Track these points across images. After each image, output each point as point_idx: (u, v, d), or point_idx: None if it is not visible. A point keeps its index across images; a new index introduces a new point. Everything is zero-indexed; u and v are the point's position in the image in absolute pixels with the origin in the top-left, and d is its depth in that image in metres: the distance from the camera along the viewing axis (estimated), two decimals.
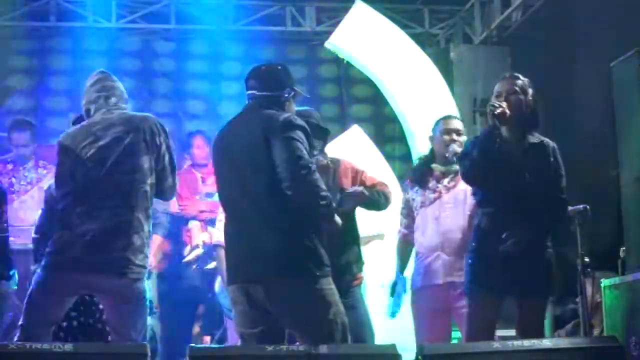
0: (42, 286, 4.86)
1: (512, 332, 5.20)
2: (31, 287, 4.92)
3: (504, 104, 4.98)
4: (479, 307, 4.97)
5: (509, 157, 4.98)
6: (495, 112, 4.94)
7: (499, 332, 5.19)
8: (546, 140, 5.13)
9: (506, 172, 4.96)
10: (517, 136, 5.07)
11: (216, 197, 7.90)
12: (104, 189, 4.87)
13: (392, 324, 6.19)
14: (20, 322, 4.86)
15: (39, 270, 4.93)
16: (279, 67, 5.11)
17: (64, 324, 5.47)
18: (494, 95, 5.14)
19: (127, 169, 4.91)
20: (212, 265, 7.68)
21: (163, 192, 5.11)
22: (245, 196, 4.68)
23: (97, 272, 4.80)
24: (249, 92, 4.95)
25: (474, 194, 5.29)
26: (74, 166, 4.95)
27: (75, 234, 4.82)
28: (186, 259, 8.15)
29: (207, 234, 8.09)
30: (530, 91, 5.12)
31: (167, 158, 5.07)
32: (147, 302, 5.02)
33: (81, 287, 4.97)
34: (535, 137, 5.10)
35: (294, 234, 4.61)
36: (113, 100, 5.10)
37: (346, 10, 8.60)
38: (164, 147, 5.06)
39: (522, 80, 5.13)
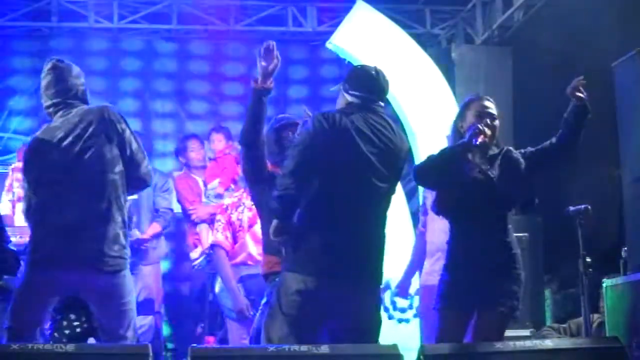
0: (23, 287, 4.85)
1: (513, 333, 5.20)
2: (15, 289, 4.92)
3: (488, 132, 4.92)
4: (447, 325, 4.91)
5: (471, 170, 4.95)
6: (479, 142, 4.88)
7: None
8: (508, 148, 5.11)
9: (466, 183, 4.92)
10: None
11: (226, 200, 7.94)
12: (71, 182, 4.84)
13: (394, 324, 6.21)
14: (6, 325, 4.84)
15: (22, 273, 4.93)
16: None
17: (67, 331, 5.47)
18: (474, 114, 5.00)
19: (90, 161, 4.88)
20: None
21: (139, 178, 5.06)
22: (368, 197, 4.76)
23: (72, 268, 4.77)
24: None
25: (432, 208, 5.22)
26: (38, 173, 4.93)
27: (47, 231, 4.80)
28: (197, 262, 8.14)
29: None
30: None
31: (134, 144, 5.02)
32: (132, 297, 4.97)
33: (61, 285, 4.89)
34: (496, 148, 5.06)
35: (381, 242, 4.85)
36: (68, 101, 5.04)
37: (347, 10, 8.61)
38: (127, 133, 5.01)
39: (494, 103, 5.10)
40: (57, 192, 4.85)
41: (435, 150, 5.03)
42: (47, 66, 5.13)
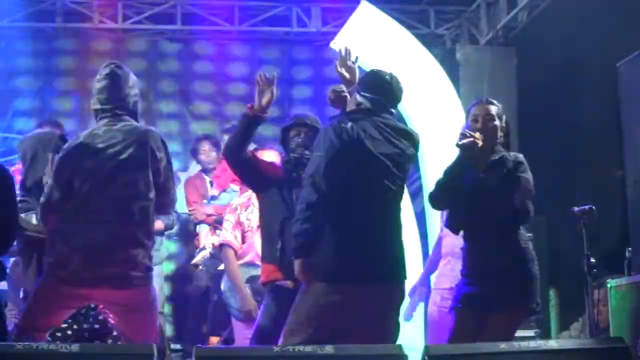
0: (42, 296, 4.85)
1: (517, 333, 5.19)
2: (32, 293, 4.92)
3: (477, 135, 4.93)
4: (460, 324, 4.95)
5: (471, 180, 4.97)
6: (460, 143, 4.90)
7: None
8: (508, 154, 5.08)
9: (469, 195, 4.94)
10: (483, 158, 5.00)
11: (222, 200, 7.93)
12: (101, 204, 4.81)
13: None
14: (17, 322, 4.86)
15: (41, 278, 4.92)
16: None
17: (69, 332, 5.48)
18: (470, 118, 5.09)
19: (123, 184, 4.85)
20: (222, 266, 7.70)
21: (164, 206, 5.08)
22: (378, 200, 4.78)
23: (96, 287, 4.78)
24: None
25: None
26: (71, 175, 4.89)
27: (73, 248, 4.77)
28: (193, 262, 8.16)
29: (217, 237, 8.10)
30: (504, 117, 5.10)
31: (166, 173, 5.02)
32: (156, 308, 5.02)
33: (82, 300, 4.95)
34: (497, 154, 5.05)
35: (401, 241, 4.87)
36: (117, 112, 5.01)
37: (352, 11, 8.60)
38: (164, 162, 4.99)
39: (497, 106, 5.11)
40: (86, 209, 4.83)
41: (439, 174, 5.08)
42: (105, 70, 5.09)
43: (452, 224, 5.11)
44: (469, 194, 4.93)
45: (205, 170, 8.59)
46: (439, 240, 6.30)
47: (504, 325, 4.91)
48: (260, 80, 5.29)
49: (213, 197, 8.30)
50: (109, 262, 4.76)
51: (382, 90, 4.99)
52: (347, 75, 5.14)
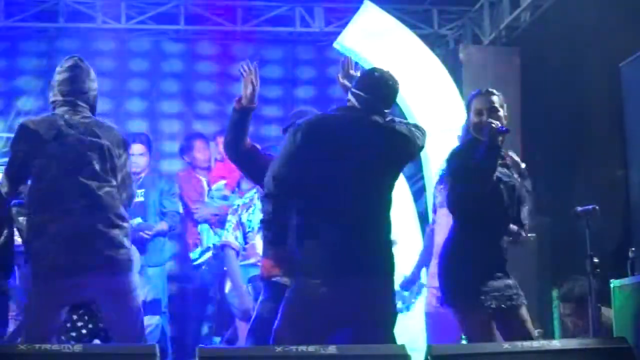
0: (35, 301, 4.83)
1: None
2: (25, 303, 4.90)
3: (497, 123, 4.88)
4: (480, 327, 4.86)
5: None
6: (504, 130, 4.82)
7: None
8: None
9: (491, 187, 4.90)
10: None
11: (231, 200, 7.95)
12: (68, 190, 4.83)
13: (400, 324, 6.22)
14: (20, 338, 4.84)
15: (30, 286, 4.90)
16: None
17: (73, 333, 5.48)
18: (474, 112, 5.03)
19: (87, 172, 4.87)
20: None
21: (121, 201, 5.06)
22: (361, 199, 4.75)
23: (82, 273, 4.77)
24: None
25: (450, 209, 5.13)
26: (34, 157, 4.89)
27: (51, 239, 4.77)
28: (198, 261, 8.17)
29: (217, 237, 8.11)
30: (505, 106, 5.06)
31: (124, 171, 5.05)
32: (139, 297, 5.02)
33: (72, 292, 4.90)
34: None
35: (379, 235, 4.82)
36: (78, 103, 5.03)
37: (355, 11, 8.61)
38: (122, 159, 5.03)
39: (498, 95, 5.06)
40: (54, 197, 4.83)
41: (464, 176, 4.93)
42: (68, 62, 5.12)
43: (457, 206, 5.04)
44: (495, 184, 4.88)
45: (196, 168, 8.59)
46: (431, 234, 6.25)
47: (525, 318, 4.91)
48: (243, 70, 5.30)
49: (225, 197, 8.31)
50: (93, 248, 4.77)
51: (373, 89, 4.91)
52: (348, 84, 5.13)
